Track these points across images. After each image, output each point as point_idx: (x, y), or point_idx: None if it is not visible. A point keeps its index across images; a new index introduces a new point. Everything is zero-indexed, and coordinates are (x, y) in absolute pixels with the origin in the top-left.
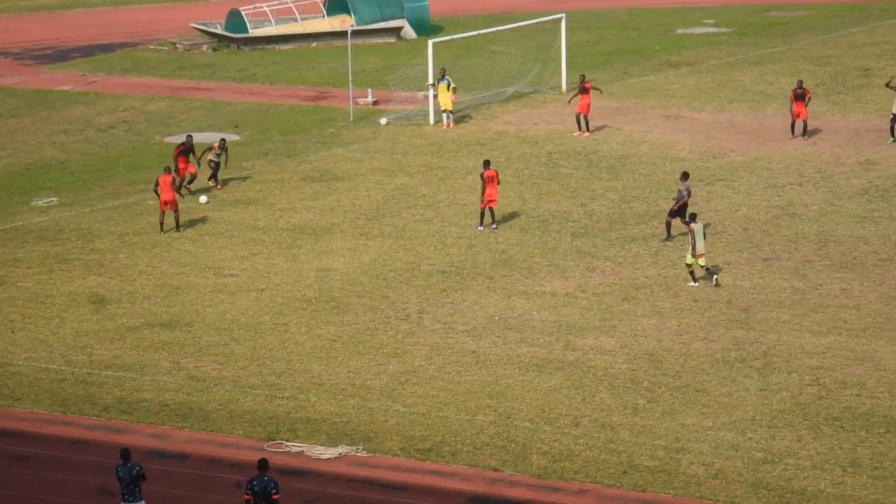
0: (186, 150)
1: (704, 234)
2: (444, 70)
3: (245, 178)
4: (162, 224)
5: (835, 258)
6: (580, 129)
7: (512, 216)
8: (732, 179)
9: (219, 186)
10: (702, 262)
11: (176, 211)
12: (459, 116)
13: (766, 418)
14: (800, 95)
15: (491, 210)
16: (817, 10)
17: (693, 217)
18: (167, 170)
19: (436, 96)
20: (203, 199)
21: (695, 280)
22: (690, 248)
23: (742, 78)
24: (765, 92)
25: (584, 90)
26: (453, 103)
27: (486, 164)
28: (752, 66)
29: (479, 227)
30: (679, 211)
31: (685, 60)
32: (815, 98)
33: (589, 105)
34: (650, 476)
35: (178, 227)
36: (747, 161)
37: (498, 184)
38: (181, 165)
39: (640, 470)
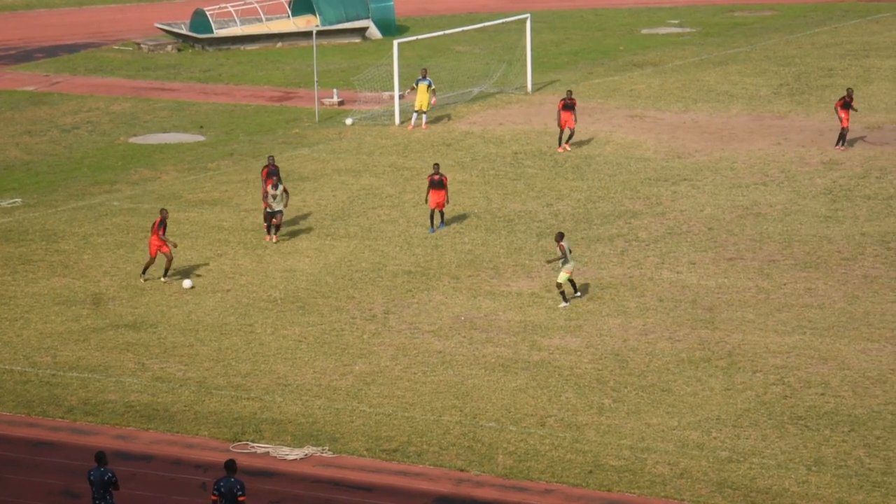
0: (270, 172)
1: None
2: (426, 70)
3: (210, 179)
4: (145, 268)
5: (799, 258)
6: (560, 144)
7: (478, 216)
8: (697, 179)
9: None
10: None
11: (168, 255)
12: (425, 116)
13: (730, 417)
14: (847, 104)
15: (440, 212)
16: (781, 11)
17: (560, 236)
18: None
19: (402, 96)
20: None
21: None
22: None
23: (706, 78)
24: (729, 92)
25: (568, 106)
26: (432, 105)
27: (436, 167)
28: (716, 67)
29: (431, 231)
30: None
31: (650, 60)
32: (779, 98)
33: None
34: (616, 476)
35: (166, 273)
36: (712, 161)
37: (446, 188)
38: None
39: (605, 469)
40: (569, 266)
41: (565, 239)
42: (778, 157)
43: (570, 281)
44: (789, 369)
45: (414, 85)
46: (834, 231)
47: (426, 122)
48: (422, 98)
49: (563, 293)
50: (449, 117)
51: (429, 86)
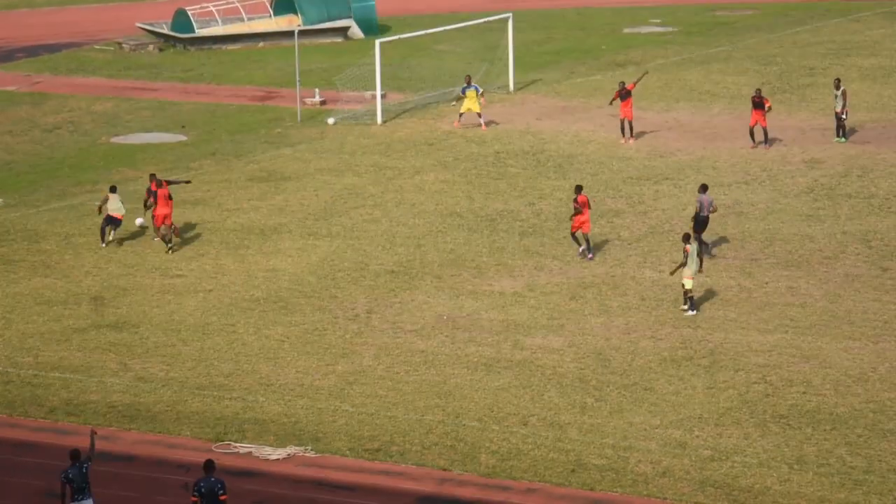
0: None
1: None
2: (470, 77)
3: (192, 179)
4: (165, 239)
5: (781, 256)
6: (624, 136)
7: (460, 216)
8: (679, 178)
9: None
10: (689, 284)
11: (171, 226)
12: (408, 115)
13: (713, 416)
14: (758, 104)
15: (585, 235)
16: (762, 10)
17: (686, 237)
18: (160, 182)
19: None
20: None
21: (691, 307)
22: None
23: (688, 77)
24: (711, 91)
25: (625, 95)
26: (483, 105)
27: (579, 189)
28: (698, 66)
29: (588, 256)
30: (697, 224)
31: (632, 60)
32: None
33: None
34: (598, 474)
35: (170, 243)
36: (694, 160)
37: (589, 208)
38: None
39: (588, 468)
40: (691, 269)
41: (692, 240)
42: (760, 156)
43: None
44: (771, 368)
45: (461, 94)
46: (816, 230)
47: (484, 124)
48: (470, 104)
49: (690, 298)
50: (431, 117)
51: (477, 91)
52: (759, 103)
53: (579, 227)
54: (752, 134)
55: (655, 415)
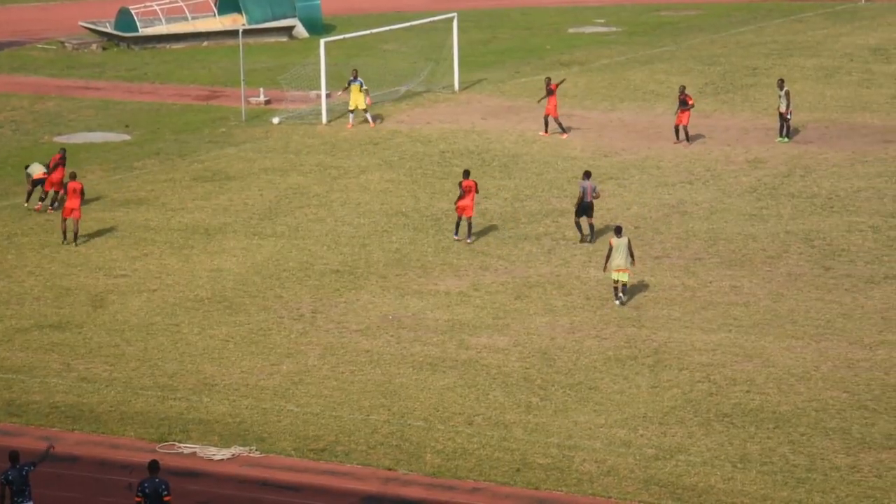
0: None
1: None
2: (356, 71)
3: (136, 178)
4: (64, 233)
5: (724, 255)
6: (564, 130)
7: (405, 215)
8: (624, 178)
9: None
10: (622, 277)
11: (77, 220)
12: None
13: (657, 415)
14: (682, 101)
15: (468, 221)
16: (706, 10)
17: (617, 230)
18: (73, 175)
19: (329, 95)
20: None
21: (616, 298)
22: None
23: (632, 77)
24: (655, 91)
25: (550, 91)
26: (368, 104)
27: (466, 173)
28: (642, 66)
29: (455, 237)
30: (581, 210)
31: (576, 59)
32: (705, 97)
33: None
34: (543, 474)
35: (76, 238)
36: (638, 160)
37: (476, 194)
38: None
39: (533, 468)
40: (616, 262)
41: (622, 234)
42: (703, 156)
43: None
44: (715, 367)
45: (346, 85)
46: (759, 229)
47: (373, 121)
48: (356, 98)
49: (615, 289)
50: (377, 116)
51: (360, 86)
52: (683, 101)
53: (463, 212)
54: (676, 131)
55: (600, 414)
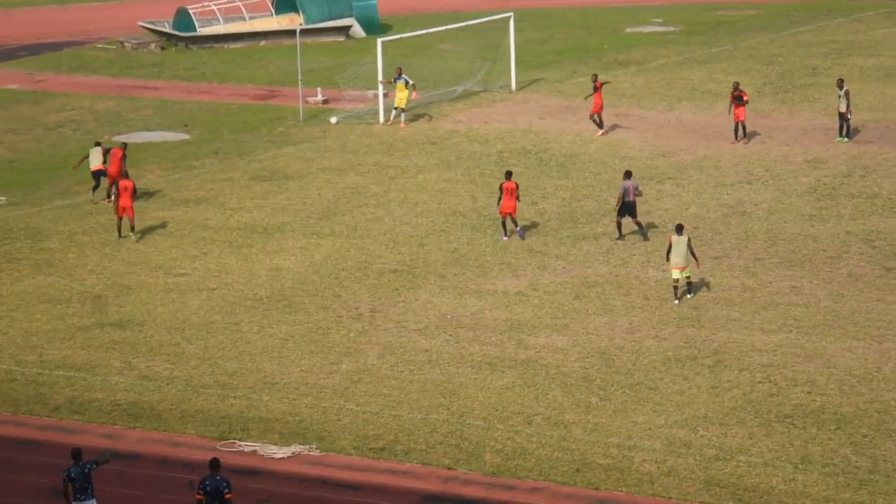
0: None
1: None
2: (401, 69)
3: (195, 178)
4: (119, 229)
5: (784, 256)
6: (601, 128)
7: (463, 215)
8: (682, 178)
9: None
10: (683, 274)
11: (131, 218)
12: (422, 114)
13: (717, 416)
14: (737, 97)
15: (512, 218)
16: (765, 10)
17: (678, 228)
18: (125, 174)
19: (386, 94)
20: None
21: (676, 298)
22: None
23: (690, 77)
24: (713, 91)
25: (595, 89)
26: (413, 101)
27: (508, 174)
28: (700, 65)
29: (504, 238)
30: (623, 209)
31: (634, 59)
32: (763, 96)
33: (601, 105)
34: (603, 474)
35: (132, 230)
36: (696, 160)
37: (517, 196)
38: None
39: (592, 468)
40: (675, 259)
41: (682, 231)
42: (762, 156)
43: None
44: (775, 367)
45: (392, 81)
46: (819, 229)
47: (405, 121)
48: (400, 95)
49: (675, 289)
50: (433, 116)
51: (406, 83)
52: (738, 97)
53: (506, 212)
54: (735, 130)
55: (660, 414)
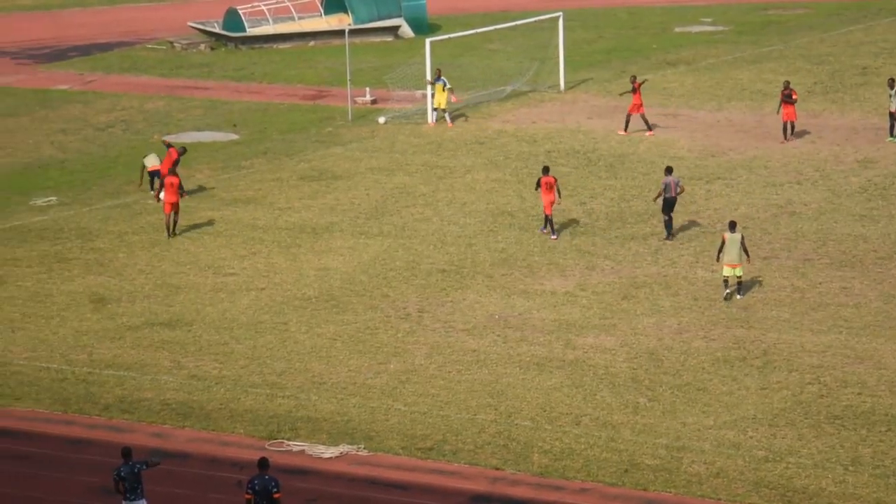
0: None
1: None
2: (440, 71)
3: (244, 178)
4: (168, 227)
5: (834, 256)
6: (626, 129)
7: (511, 215)
8: (731, 178)
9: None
10: (736, 272)
11: (176, 213)
12: (457, 115)
13: (767, 417)
14: (787, 96)
15: (546, 216)
16: (815, 9)
17: (731, 226)
18: (172, 171)
19: (434, 95)
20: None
21: (726, 290)
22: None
23: (740, 76)
24: (763, 90)
25: (633, 89)
26: (453, 102)
27: (545, 170)
28: (749, 65)
29: (553, 237)
30: (667, 206)
31: (683, 59)
32: (814, 96)
33: (639, 105)
34: (651, 475)
35: (175, 229)
36: (746, 159)
37: (557, 191)
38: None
39: (641, 469)
40: (728, 257)
41: (735, 229)
42: (812, 156)
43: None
44: (825, 368)
45: (432, 83)
46: (869, 230)
47: (451, 120)
48: (439, 97)
49: (729, 283)
50: (482, 116)
51: (444, 85)
52: (788, 96)
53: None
54: (784, 129)
55: (709, 415)
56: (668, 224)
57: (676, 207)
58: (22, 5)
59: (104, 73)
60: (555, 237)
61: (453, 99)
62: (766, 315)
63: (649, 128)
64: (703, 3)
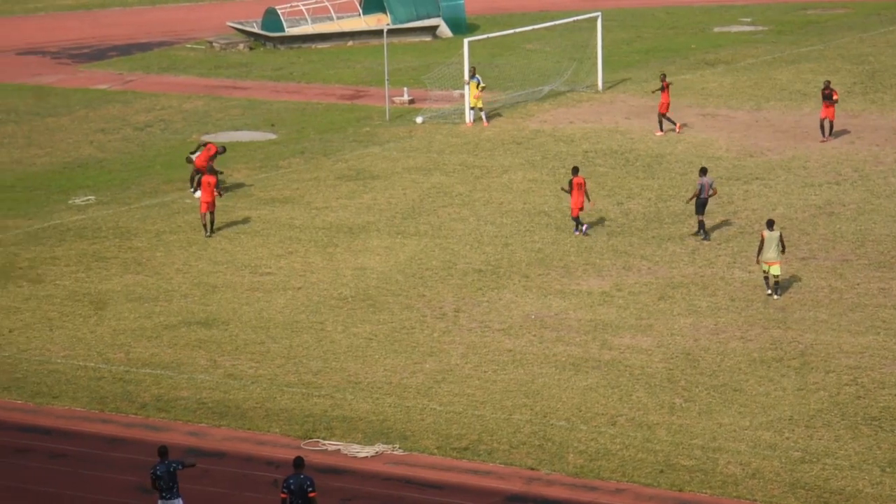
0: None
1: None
2: (475, 69)
3: (281, 177)
4: (205, 226)
5: (873, 257)
6: (662, 128)
7: (548, 215)
8: (769, 178)
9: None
10: (774, 270)
11: (213, 213)
12: (495, 114)
13: (803, 418)
14: (827, 96)
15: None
16: (854, 9)
17: (769, 224)
18: (210, 170)
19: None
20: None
21: (769, 288)
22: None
23: (779, 76)
24: (802, 91)
25: (662, 88)
26: (477, 99)
27: (575, 170)
28: (788, 65)
29: (576, 232)
30: (700, 207)
31: (722, 59)
32: (853, 96)
33: (667, 104)
34: (687, 475)
35: (211, 229)
36: (784, 160)
37: (586, 193)
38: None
39: (677, 469)
40: (767, 255)
41: (773, 227)
42: (851, 156)
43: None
44: (863, 370)
45: (467, 81)
46: None
47: (487, 119)
48: (474, 95)
49: (768, 280)
50: (519, 115)
51: (478, 84)
52: (828, 96)
53: (579, 209)
54: (822, 127)
55: (745, 416)
56: (702, 224)
57: (711, 208)
58: (62, 5)
59: (143, 73)
60: (585, 227)
61: (476, 95)
62: (803, 316)
63: (661, 128)
64: (742, 2)
